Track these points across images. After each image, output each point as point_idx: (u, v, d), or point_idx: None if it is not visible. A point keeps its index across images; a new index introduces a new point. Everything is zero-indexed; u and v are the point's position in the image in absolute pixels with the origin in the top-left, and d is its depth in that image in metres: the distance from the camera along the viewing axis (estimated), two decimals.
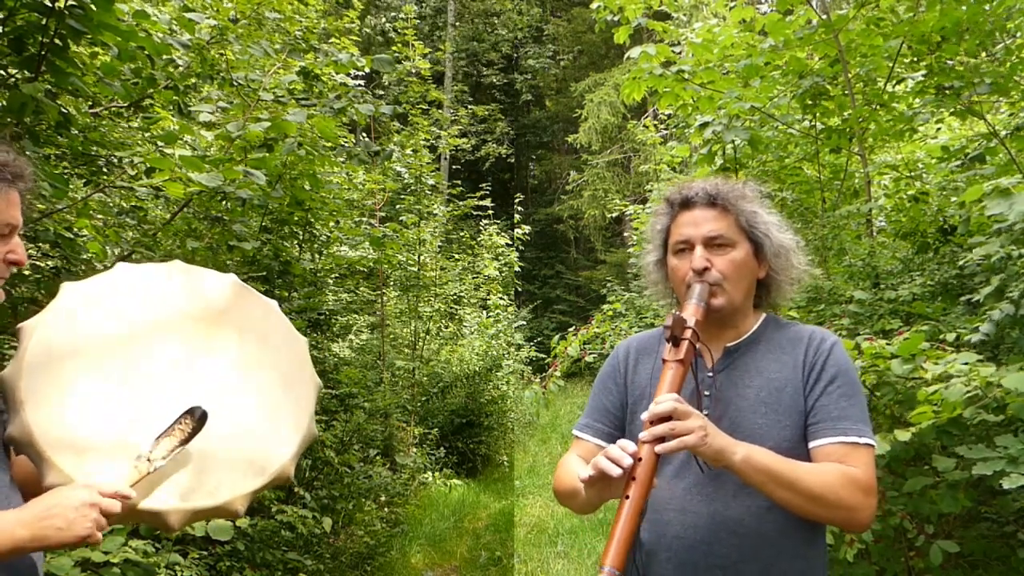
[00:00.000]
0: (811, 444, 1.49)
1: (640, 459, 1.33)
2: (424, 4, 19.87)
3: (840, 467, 1.43)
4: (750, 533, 1.46)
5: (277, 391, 1.52)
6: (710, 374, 1.58)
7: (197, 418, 1.37)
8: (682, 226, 1.61)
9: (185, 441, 1.35)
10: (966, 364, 2.33)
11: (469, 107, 16.55)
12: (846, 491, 1.40)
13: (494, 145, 19.64)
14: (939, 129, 4.69)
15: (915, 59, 4.13)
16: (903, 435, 2.34)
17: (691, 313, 1.49)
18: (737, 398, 1.55)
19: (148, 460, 1.31)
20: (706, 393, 1.56)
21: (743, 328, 1.63)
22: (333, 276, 5.39)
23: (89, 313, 1.43)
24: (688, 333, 1.45)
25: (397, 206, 7.37)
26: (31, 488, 1.33)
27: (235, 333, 1.54)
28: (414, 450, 7.01)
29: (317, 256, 4.86)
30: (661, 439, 1.34)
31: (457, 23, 20.63)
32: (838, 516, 1.43)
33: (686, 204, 1.63)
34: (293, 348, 1.58)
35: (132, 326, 1.46)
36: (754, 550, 1.46)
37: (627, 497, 1.31)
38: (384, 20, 18.48)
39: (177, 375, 1.44)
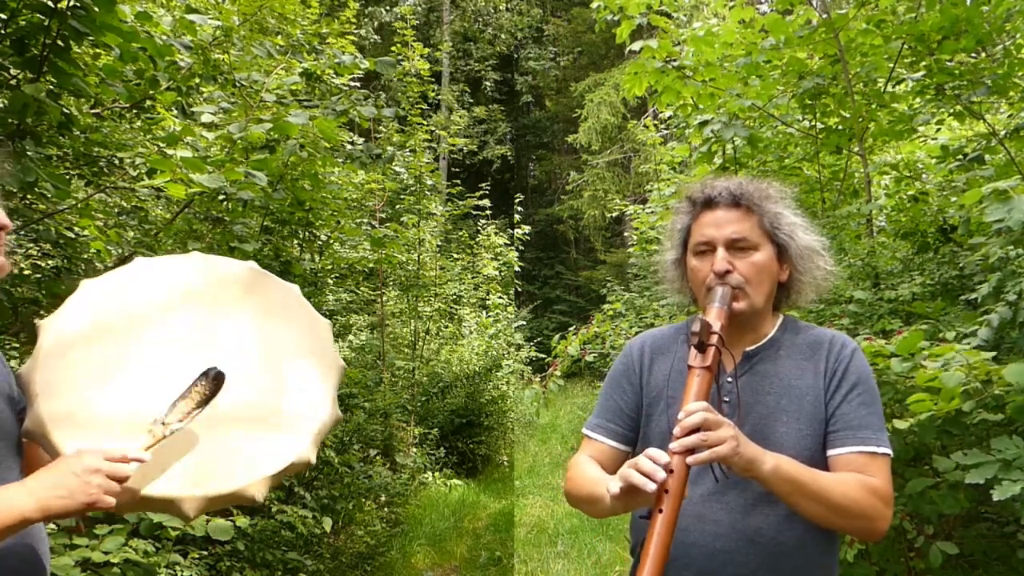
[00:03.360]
0: (830, 452, 1.47)
1: (671, 471, 1.30)
2: (417, 3, 19.90)
3: (861, 478, 1.42)
4: (769, 543, 1.45)
5: (299, 373, 1.47)
6: (729, 379, 1.55)
7: (212, 379, 1.33)
8: (704, 226, 1.57)
9: (202, 404, 1.31)
10: (964, 350, 2.34)
11: (470, 108, 16.56)
12: (867, 502, 1.40)
13: (497, 146, 19.64)
14: (939, 129, 4.69)
15: (915, 59, 4.13)
16: (901, 424, 2.35)
17: (716, 317, 1.45)
18: (758, 405, 1.52)
19: (163, 424, 1.28)
20: (726, 399, 1.53)
21: (762, 332, 1.59)
22: (333, 276, 5.40)
23: (105, 303, 1.43)
24: (715, 339, 1.42)
25: (397, 206, 7.37)
26: None
27: (255, 314, 1.51)
28: (414, 450, 7.01)
29: (317, 256, 4.87)
30: (691, 450, 1.30)
31: (455, 20, 20.63)
32: (857, 526, 1.42)
33: (709, 204, 1.57)
34: (315, 330, 1.54)
35: (149, 309, 1.44)
36: (773, 559, 1.45)
37: (660, 511, 1.27)
38: (384, 12, 18.49)
39: (196, 355, 1.41)
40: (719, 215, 1.55)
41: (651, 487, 1.27)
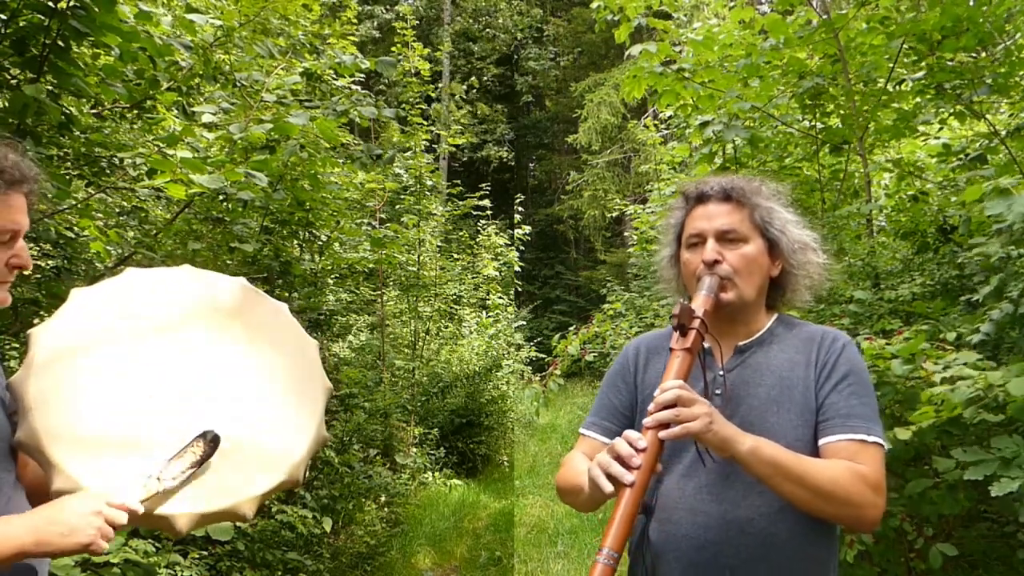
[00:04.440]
0: (820, 441, 1.48)
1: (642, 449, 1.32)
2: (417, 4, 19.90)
3: (849, 464, 1.42)
4: (760, 534, 1.45)
5: (287, 393, 1.50)
6: (721, 372, 1.57)
7: (209, 441, 1.36)
8: (696, 220, 1.61)
9: (197, 464, 1.34)
10: (965, 364, 2.33)
11: (472, 103, 16.51)
12: (854, 488, 1.39)
13: (495, 147, 19.63)
14: (941, 129, 4.69)
15: (916, 59, 4.13)
16: (904, 434, 2.34)
17: (700, 303, 1.49)
18: (749, 397, 1.53)
19: (158, 480, 1.31)
20: (717, 392, 1.55)
21: (755, 327, 1.61)
22: (333, 276, 5.40)
23: (98, 316, 1.43)
24: (696, 322, 1.44)
25: (397, 206, 7.37)
26: (41, 491, 1.33)
27: (245, 335, 1.53)
28: (414, 450, 7.01)
29: (317, 256, 4.87)
30: (666, 425, 1.33)
31: (457, 17, 20.63)
32: (845, 513, 1.41)
33: (701, 198, 1.62)
34: (303, 350, 1.58)
35: (141, 327, 1.45)
36: (764, 551, 1.45)
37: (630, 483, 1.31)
38: (383, 10, 18.49)
39: (186, 376, 1.43)
40: (710, 208, 1.60)
41: (609, 488, 1.31)
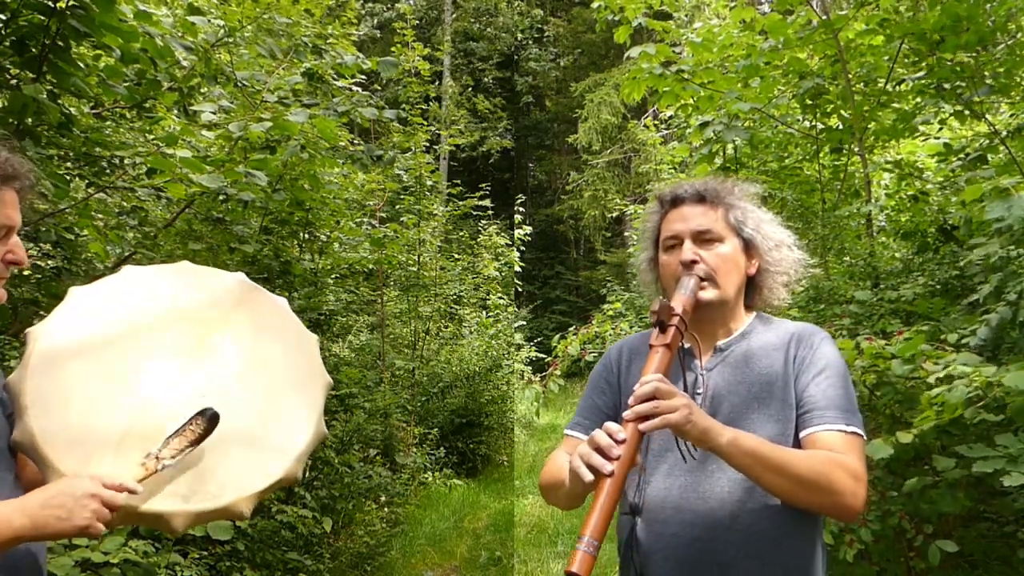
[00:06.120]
0: (801, 433, 1.50)
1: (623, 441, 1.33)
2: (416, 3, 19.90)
3: (828, 453, 1.44)
4: (745, 529, 1.46)
5: (286, 389, 1.48)
6: (702, 372, 1.59)
7: (208, 419, 1.34)
8: (672, 222, 1.64)
9: (195, 443, 1.33)
10: (966, 365, 2.33)
11: (472, 99, 16.50)
12: (834, 475, 1.41)
13: (497, 139, 19.61)
14: (941, 128, 4.69)
15: (915, 59, 4.13)
16: (905, 437, 2.34)
17: (679, 301, 1.51)
18: (730, 395, 1.55)
19: (156, 459, 1.29)
20: (699, 391, 1.57)
21: (734, 326, 1.64)
22: (333, 276, 5.40)
23: (95, 314, 1.42)
24: (675, 319, 1.46)
25: (397, 206, 7.37)
26: None
27: (243, 330, 1.51)
28: (414, 450, 7.01)
29: (317, 256, 4.87)
30: (645, 417, 1.34)
31: (456, 19, 20.63)
32: (827, 501, 1.43)
33: (676, 202, 1.66)
34: (303, 345, 1.56)
35: (139, 325, 1.44)
36: (750, 546, 1.46)
37: (610, 475, 1.31)
38: (384, 8, 18.50)
39: (184, 373, 1.42)
40: (685, 211, 1.64)
41: (589, 477, 1.30)
